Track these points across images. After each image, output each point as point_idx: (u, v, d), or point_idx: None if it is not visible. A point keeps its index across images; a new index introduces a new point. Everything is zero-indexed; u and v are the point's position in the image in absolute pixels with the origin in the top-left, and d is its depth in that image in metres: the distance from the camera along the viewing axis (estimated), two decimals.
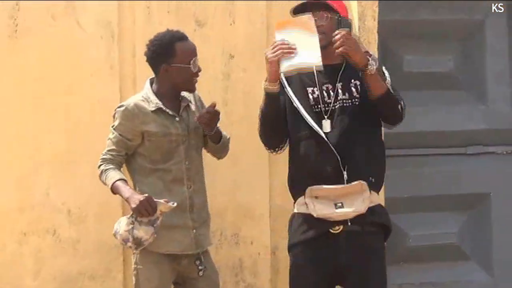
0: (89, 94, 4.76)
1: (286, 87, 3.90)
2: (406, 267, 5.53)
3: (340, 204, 3.85)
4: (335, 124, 3.88)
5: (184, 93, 4.20)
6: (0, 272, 4.70)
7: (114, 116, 4.17)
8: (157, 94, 4.14)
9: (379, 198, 4.02)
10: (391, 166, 5.22)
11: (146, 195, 3.96)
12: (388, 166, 5.09)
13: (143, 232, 3.97)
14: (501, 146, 5.65)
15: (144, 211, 3.92)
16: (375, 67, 3.79)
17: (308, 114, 3.86)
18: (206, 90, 4.69)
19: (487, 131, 5.65)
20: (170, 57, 4.07)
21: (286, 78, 3.91)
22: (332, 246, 3.87)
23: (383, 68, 3.98)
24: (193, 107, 4.22)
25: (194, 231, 4.11)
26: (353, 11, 5.04)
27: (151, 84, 4.19)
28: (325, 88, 3.91)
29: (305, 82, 3.94)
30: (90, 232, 4.75)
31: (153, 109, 4.11)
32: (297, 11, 3.92)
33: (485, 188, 5.65)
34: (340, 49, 3.75)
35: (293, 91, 3.89)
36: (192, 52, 4.11)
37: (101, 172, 4.10)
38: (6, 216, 4.71)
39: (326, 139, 3.84)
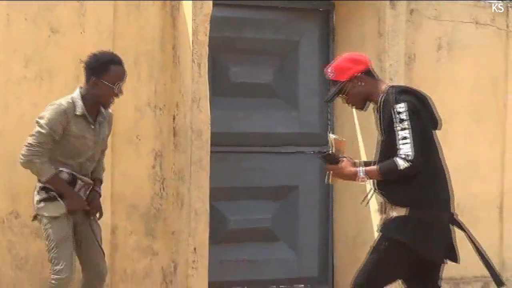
0: None
1: None
2: (226, 246, 6.10)
3: None
4: None
5: (102, 110, 4.84)
6: None
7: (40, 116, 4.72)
8: (83, 100, 4.76)
9: None
10: (217, 160, 5.91)
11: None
12: (214, 161, 5.75)
13: None
14: (309, 147, 6.37)
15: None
16: (361, 179, 4.29)
17: None
18: (59, 89, 5.28)
19: (298, 134, 6.36)
20: (102, 73, 4.72)
21: None
22: None
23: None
24: (105, 124, 4.90)
25: None
26: (188, 26, 5.59)
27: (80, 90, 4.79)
28: None
29: None
30: None
31: (79, 113, 4.75)
32: None
33: (295, 181, 6.35)
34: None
35: None
36: (120, 77, 4.75)
37: (34, 163, 4.66)
38: None
39: None
